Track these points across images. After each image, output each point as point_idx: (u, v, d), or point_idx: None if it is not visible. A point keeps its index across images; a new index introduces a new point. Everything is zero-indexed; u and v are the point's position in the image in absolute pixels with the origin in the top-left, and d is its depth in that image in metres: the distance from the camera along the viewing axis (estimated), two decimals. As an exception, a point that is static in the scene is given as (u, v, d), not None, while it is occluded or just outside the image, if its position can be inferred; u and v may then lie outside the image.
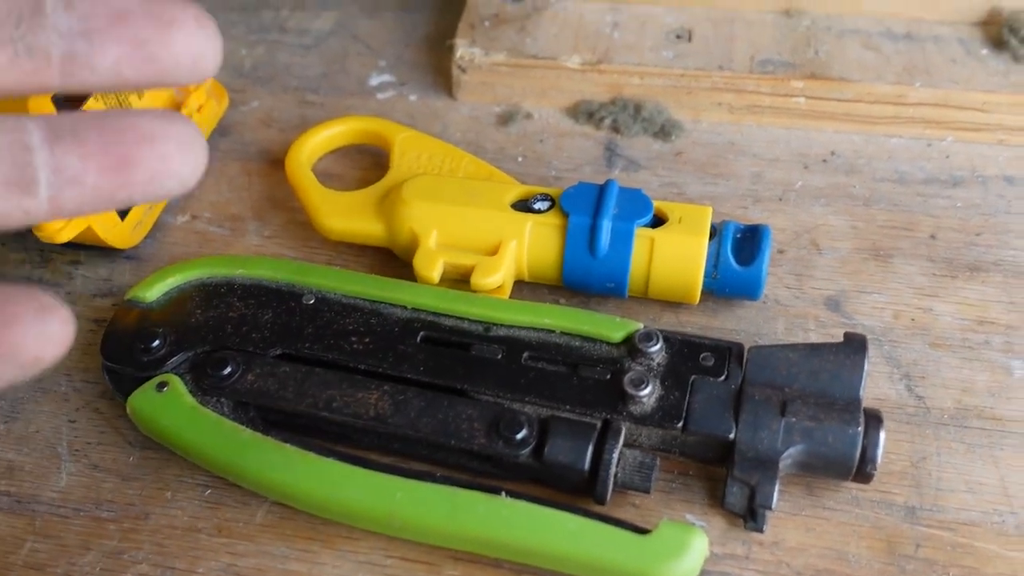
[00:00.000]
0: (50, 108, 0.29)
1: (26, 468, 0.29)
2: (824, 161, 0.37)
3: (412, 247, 0.32)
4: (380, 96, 0.41)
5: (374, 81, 0.42)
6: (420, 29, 0.44)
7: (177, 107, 0.38)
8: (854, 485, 0.27)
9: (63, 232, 0.31)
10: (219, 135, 0.39)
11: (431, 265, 0.31)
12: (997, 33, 0.37)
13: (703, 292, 0.31)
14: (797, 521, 0.27)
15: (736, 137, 0.38)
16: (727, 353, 0.28)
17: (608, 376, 0.28)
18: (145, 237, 0.35)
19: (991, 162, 0.36)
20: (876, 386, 0.30)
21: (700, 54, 0.38)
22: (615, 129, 0.38)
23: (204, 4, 0.48)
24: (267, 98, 0.41)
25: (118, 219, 0.33)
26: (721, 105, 0.38)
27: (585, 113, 0.38)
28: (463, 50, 0.39)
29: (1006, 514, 0.27)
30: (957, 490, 0.27)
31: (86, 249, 0.35)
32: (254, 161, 0.39)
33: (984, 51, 0.37)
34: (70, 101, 0.31)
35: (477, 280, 0.30)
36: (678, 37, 0.39)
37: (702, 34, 0.39)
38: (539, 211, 0.32)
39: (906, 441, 0.28)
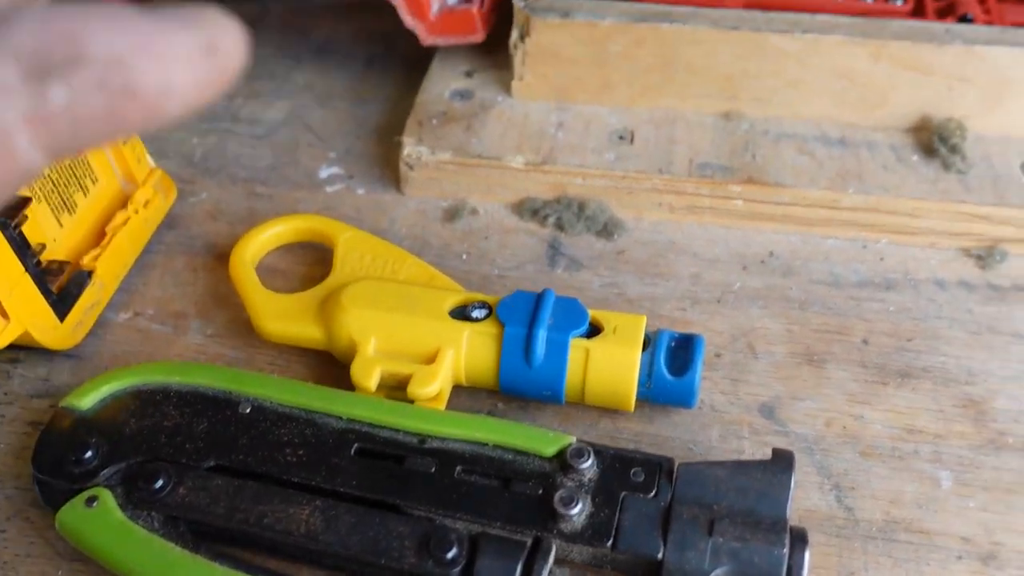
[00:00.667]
0: None
1: (-50, 584, 0.29)
2: (762, 262, 0.38)
3: (351, 353, 0.32)
4: (328, 189, 0.41)
5: (323, 173, 0.42)
6: (372, 120, 0.45)
7: (124, 201, 0.38)
8: (783, 601, 0.28)
9: (-1, 338, 0.31)
10: (166, 228, 0.40)
11: (368, 374, 0.31)
12: (928, 140, 0.38)
13: (638, 400, 0.32)
14: (726, 640, 0.27)
15: (677, 236, 0.39)
16: (657, 468, 0.28)
17: (540, 491, 0.28)
18: (86, 335, 0.35)
19: (923, 265, 0.37)
20: (807, 497, 0.30)
21: (641, 156, 0.39)
22: (559, 227, 0.39)
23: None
24: (215, 190, 0.42)
25: (56, 321, 0.33)
26: (662, 205, 0.39)
27: (530, 210, 0.39)
28: (410, 148, 0.39)
29: (931, 632, 0.27)
30: (884, 607, 0.28)
31: (26, 348, 0.35)
32: (200, 255, 0.39)
33: (915, 158, 0.38)
34: (8, 211, 0.31)
35: (414, 390, 0.31)
36: (620, 138, 0.40)
37: (644, 136, 0.40)
38: (476, 319, 0.32)
39: (835, 555, 0.29)
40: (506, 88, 0.42)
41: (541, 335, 0.31)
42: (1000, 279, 0.37)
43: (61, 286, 0.34)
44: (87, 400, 0.31)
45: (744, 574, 0.26)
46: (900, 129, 0.39)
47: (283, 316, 0.34)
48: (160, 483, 0.28)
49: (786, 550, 0.26)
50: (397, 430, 0.30)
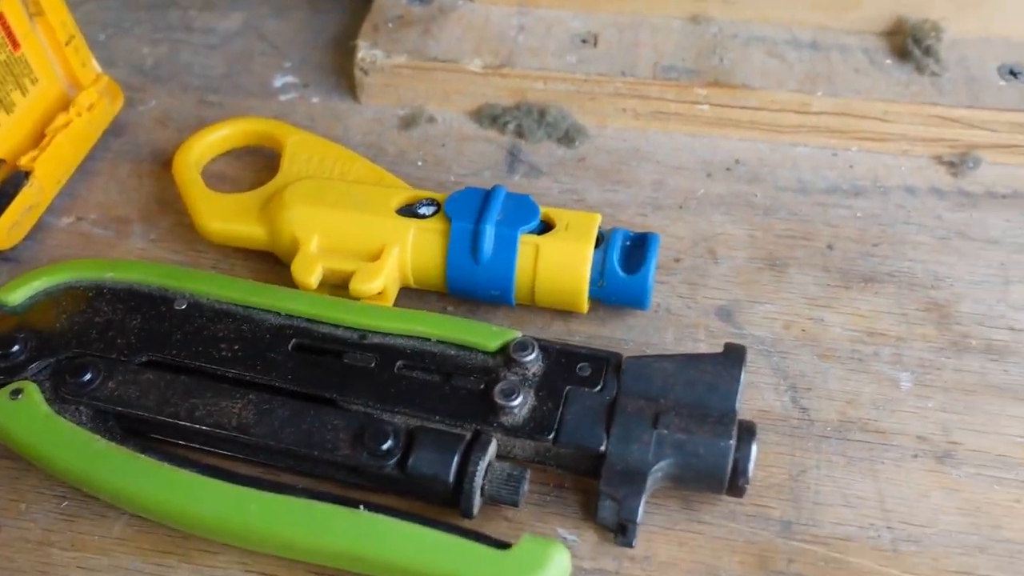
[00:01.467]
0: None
1: None
2: (728, 169, 0.36)
3: (293, 252, 0.31)
4: (282, 98, 0.40)
5: (277, 83, 0.41)
6: (328, 30, 0.43)
7: (67, 104, 0.36)
8: (732, 499, 0.27)
9: (-76, 232, 0.29)
10: (112, 135, 0.38)
11: (309, 270, 0.30)
12: (902, 43, 0.37)
13: (591, 300, 0.31)
14: (670, 536, 0.26)
15: (641, 143, 0.37)
16: (604, 364, 0.27)
17: (482, 386, 0.27)
18: (24, 238, 0.34)
19: (894, 172, 0.36)
20: (761, 397, 0.29)
21: (604, 59, 0.37)
22: (519, 134, 0.37)
23: (112, 2, 0.48)
24: (165, 98, 0.40)
25: (-10, 219, 0.32)
26: (626, 111, 0.37)
27: (489, 117, 0.38)
28: (365, 51, 0.38)
29: (882, 529, 0.26)
30: (834, 504, 0.27)
31: (-40, 249, 0.34)
32: (146, 162, 0.37)
33: (888, 61, 0.37)
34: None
35: (356, 286, 0.30)
36: (583, 42, 0.38)
37: (607, 39, 0.38)
38: (423, 216, 0.31)
39: (787, 454, 0.28)
40: (467, -8, 0.40)
41: (489, 230, 0.30)
42: (973, 186, 0.35)
43: (-5, 185, 0.33)
44: (16, 295, 0.30)
45: (689, 466, 0.25)
46: (874, 32, 0.38)
47: (225, 216, 0.33)
48: (88, 376, 0.27)
49: (733, 442, 0.25)
50: (337, 325, 0.29)
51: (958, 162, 0.36)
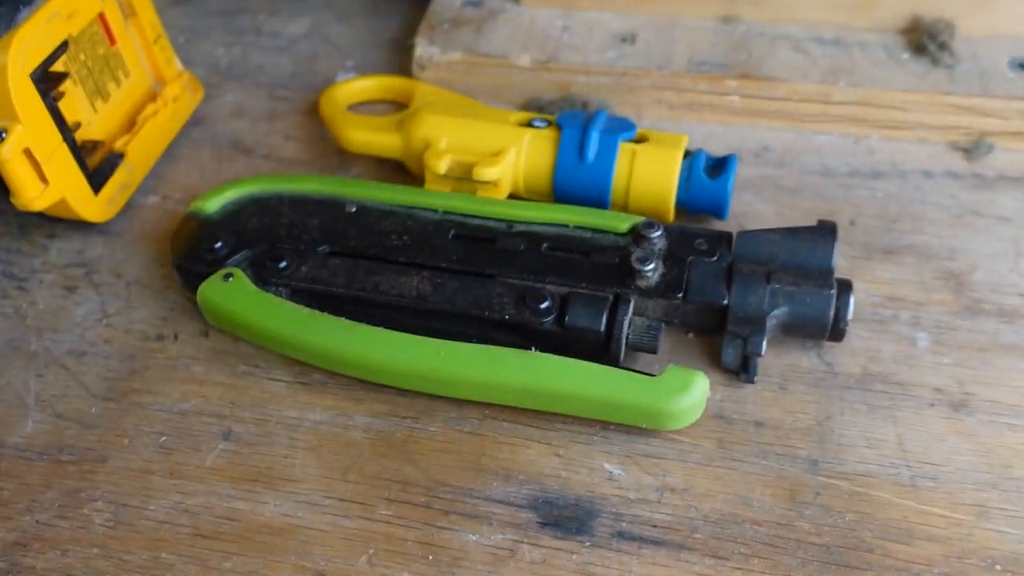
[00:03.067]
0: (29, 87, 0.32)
1: (-6, 415, 0.31)
2: (757, 155, 0.39)
3: (424, 154, 0.36)
4: (346, 92, 0.44)
5: (340, 78, 0.44)
6: (388, 33, 0.47)
7: (154, 97, 0.40)
8: (763, 440, 0.30)
9: (38, 200, 0.33)
10: (193, 124, 0.42)
11: (439, 158, 0.35)
12: (918, 39, 0.40)
13: (676, 209, 0.35)
14: (708, 471, 0.29)
15: (676, 132, 0.40)
16: (718, 238, 0.32)
17: (616, 260, 0.32)
18: (117, 214, 0.38)
19: (911, 157, 0.39)
20: (788, 354, 0.32)
21: (642, 55, 0.40)
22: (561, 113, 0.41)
23: (189, 9, 0.52)
24: (240, 93, 0.44)
25: (91, 193, 0.36)
26: (661, 102, 0.40)
27: (535, 108, 0.41)
28: (422, 48, 0.42)
29: (901, 467, 0.29)
30: (857, 445, 0.29)
31: (62, 223, 0.37)
32: (225, 148, 0.41)
33: (905, 56, 0.40)
34: (47, 81, 0.33)
35: (479, 170, 0.34)
36: (623, 40, 0.41)
37: (645, 38, 0.41)
38: (538, 127, 0.36)
39: (813, 402, 0.31)
40: (515, -3, 0.44)
41: (595, 135, 0.34)
42: (986, 169, 0.38)
43: (95, 163, 0.36)
44: (211, 204, 0.34)
45: (798, 314, 0.30)
46: (892, 30, 0.41)
47: (364, 127, 0.38)
48: (284, 263, 0.32)
49: (834, 291, 0.30)
50: (487, 218, 0.33)
51: (972, 148, 0.38)
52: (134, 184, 0.38)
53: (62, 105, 0.34)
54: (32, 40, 0.32)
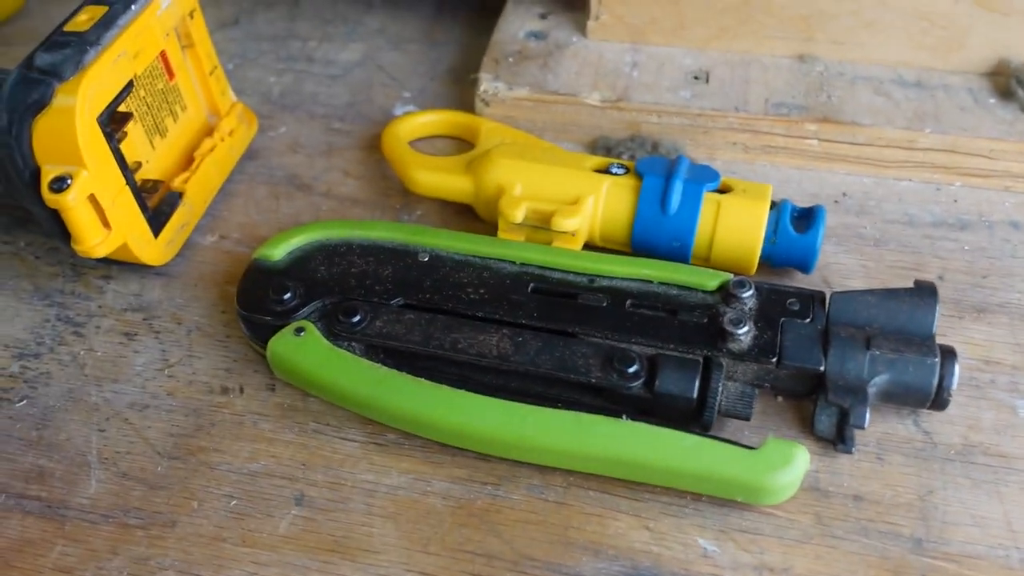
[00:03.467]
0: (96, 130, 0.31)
1: (56, 475, 0.30)
2: (836, 202, 0.38)
3: (495, 200, 0.34)
4: (405, 126, 0.42)
5: (399, 111, 0.43)
6: (444, 62, 0.45)
7: (210, 131, 0.39)
8: (863, 515, 0.28)
9: (100, 247, 0.32)
10: (248, 159, 0.41)
11: (515, 206, 0.33)
12: (1005, 84, 0.38)
13: (760, 262, 0.34)
14: (807, 549, 0.28)
15: (751, 176, 0.39)
16: (811, 299, 0.31)
17: (705, 320, 0.30)
18: (175, 255, 0.36)
19: (997, 207, 0.37)
20: (884, 420, 0.31)
21: (716, 95, 0.39)
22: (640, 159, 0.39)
23: (236, 33, 0.50)
24: (294, 125, 0.43)
25: (152, 236, 0.34)
26: (736, 145, 0.39)
27: (604, 148, 0.40)
28: (487, 84, 0.40)
29: (1011, 549, 0.28)
30: (962, 524, 0.28)
31: (118, 264, 0.36)
32: (281, 184, 0.40)
33: (992, 100, 0.38)
34: (113, 123, 0.32)
35: (558, 220, 0.33)
36: (695, 78, 0.40)
37: (719, 76, 0.40)
38: (616, 174, 0.34)
39: (913, 475, 0.29)
40: (581, 29, 0.42)
41: (678, 185, 0.33)
42: (1076, 222, 0.37)
43: (155, 204, 0.35)
44: (278, 251, 0.33)
45: (900, 382, 0.29)
46: (977, 73, 0.39)
47: (432, 169, 0.37)
48: (358, 317, 0.30)
49: (938, 359, 0.29)
50: (568, 271, 0.32)
51: (1061, 199, 0.37)
52: (192, 223, 0.37)
53: (123, 145, 0.33)
54: (100, 82, 0.31)
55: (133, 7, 0.33)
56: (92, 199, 0.31)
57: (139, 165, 0.35)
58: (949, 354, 0.29)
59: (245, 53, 0.47)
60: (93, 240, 0.32)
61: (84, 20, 0.31)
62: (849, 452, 0.30)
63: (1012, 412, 0.31)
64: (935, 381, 0.29)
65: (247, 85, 0.45)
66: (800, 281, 0.35)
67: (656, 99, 0.39)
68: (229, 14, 0.50)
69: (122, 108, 0.33)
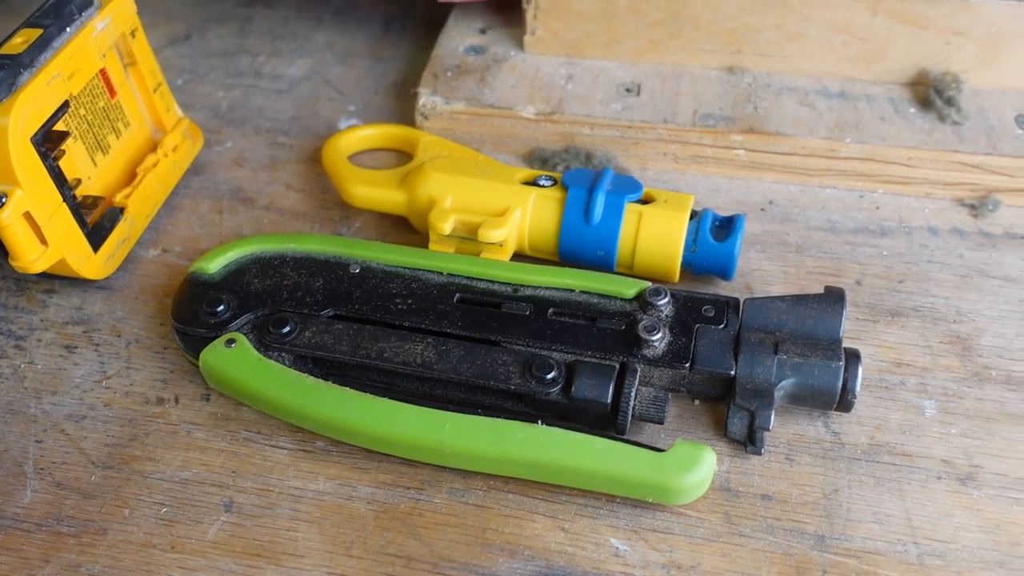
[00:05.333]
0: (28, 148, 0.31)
1: (-8, 485, 0.31)
2: (762, 210, 0.39)
3: (427, 211, 0.35)
4: (348, 139, 0.43)
5: (342, 124, 0.44)
6: (389, 77, 0.47)
7: (153, 146, 0.40)
8: (770, 514, 0.29)
9: (37, 263, 0.33)
10: (193, 173, 0.42)
11: (444, 218, 0.35)
12: (924, 94, 0.40)
13: (682, 269, 0.35)
14: (715, 547, 0.29)
15: (681, 185, 0.40)
16: (725, 305, 0.32)
17: (623, 327, 0.31)
18: (117, 269, 0.37)
19: (917, 214, 0.39)
20: (796, 423, 0.32)
21: (647, 107, 0.40)
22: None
23: (188, 49, 0.51)
24: (240, 139, 0.44)
25: (91, 251, 0.35)
26: (667, 155, 0.40)
27: (539, 159, 0.41)
28: (425, 98, 0.41)
29: (909, 544, 0.29)
30: (864, 520, 0.29)
31: (60, 279, 0.37)
32: (225, 198, 0.41)
33: (912, 110, 0.40)
34: (48, 142, 0.33)
35: (484, 232, 0.34)
36: (627, 91, 0.41)
37: (650, 88, 0.41)
38: (543, 186, 0.35)
39: (820, 474, 0.30)
40: (518, 43, 0.43)
41: (600, 196, 0.34)
42: (992, 227, 0.38)
43: (95, 220, 0.36)
44: (214, 264, 0.34)
45: (806, 385, 0.30)
46: (898, 83, 0.41)
47: (368, 183, 0.38)
48: (288, 328, 0.32)
49: (842, 363, 0.30)
50: (493, 281, 0.33)
51: (978, 205, 0.38)
52: (134, 238, 0.38)
53: (63, 163, 0.34)
54: (33, 103, 0.31)
55: (68, 29, 0.34)
56: (28, 216, 0.32)
57: (79, 182, 0.36)
58: (853, 357, 0.30)
59: (195, 69, 0.48)
60: (30, 256, 0.33)
61: (19, 43, 0.32)
62: (759, 453, 0.31)
63: (919, 412, 0.32)
64: (839, 384, 0.30)
65: (196, 100, 0.46)
66: (723, 288, 0.36)
67: (589, 112, 0.40)
68: (181, 30, 0.51)
69: (59, 127, 0.34)
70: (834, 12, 0.39)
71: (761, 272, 0.37)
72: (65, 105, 0.33)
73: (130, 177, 0.39)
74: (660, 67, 0.42)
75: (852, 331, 0.34)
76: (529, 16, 0.42)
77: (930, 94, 0.39)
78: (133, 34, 0.38)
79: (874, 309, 0.35)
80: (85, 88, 0.35)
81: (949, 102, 0.39)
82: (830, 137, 0.38)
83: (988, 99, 0.40)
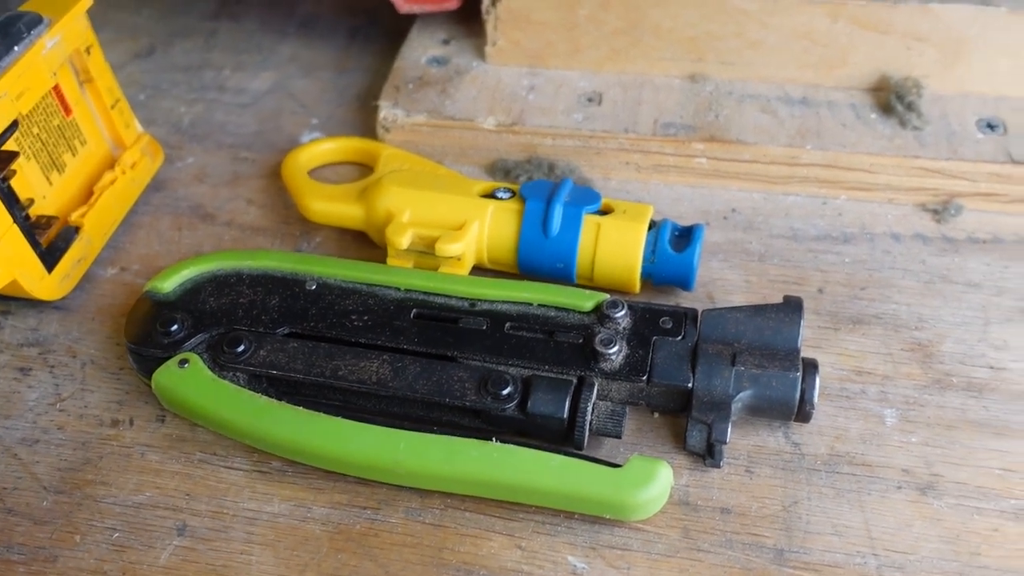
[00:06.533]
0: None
1: (-59, 512, 0.30)
2: (724, 218, 0.39)
3: (386, 226, 0.35)
4: (310, 153, 0.43)
5: (305, 138, 0.44)
6: (353, 89, 0.46)
7: (112, 163, 0.39)
8: (729, 528, 0.29)
9: (-13, 285, 0.32)
10: (154, 190, 0.41)
11: (401, 233, 0.34)
12: (885, 99, 0.40)
13: (642, 280, 0.35)
14: (673, 563, 0.29)
15: (643, 195, 0.40)
16: (683, 317, 0.32)
17: (580, 340, 0.31)
18: (74, 288, 0.37)
19: (880, 220, 0.38)
20: (756, 433, 0.32)
21: (608, 117, 0.40)
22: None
23: (151, 64, 0.51)
24: (202, 155, 0.43)
25: (44, 272, 0.35)
26: (629, 165, 0.40)
27: (502, 171, 0.40)
28: (386, 111, 0.41)
29: (868, 556, 0.28)
30: (824, 533, 0.29)
31: (16, 300, 0.36)
32: (185, 215, 0.40)
33: (873, 116, 0.39)
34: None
35: (441, 246, 0.34)
36: (589, 100, 0.41)
37: (612, 98, 0.41)
38: (501, 199, 0.35)
39: (780, 486, 0.30)
40: (481, 54, 0.43)
41: (558, 208, 0.34)
42: (955, 232, 0.38)
43: (49, 239, 0.36)
44: (168, 283, 0.34)
45: (764, 396, 0.30)
46: (860, 89, 0.41)
47: (326, 198, 0.38)
48: (242, 347, 0.31)
49: (799, 374, 0.30)
50: (450, 296, 0.33)
51: (940, 210, 0.38)
52: (91, 257, 0.38)
53: (15, 182, 0.33)
54: (-22, 125, 0.31)
55: (16, 48, 0.33)
56: (-24, 239, 0.31)
57: (32, 202, 0.35)
58: (811, 367, 0.30)
59: (158, 84, 0.47)
60: (-21, 278, 0.32)
61: (-35, 64, 0.32)
62: (717, 466, 0.30)
63: (879, 421, 0.32)
64: (797, 395, 0.30)
65: (158, 115, 0.45)
66: (685, 298, 0.36)
67: (550, 122, 0.40)
68: (145, 45, 0.50)
69: (9, 147, 0.33)
70: (794, 18, 0.39)
71: (723, 281, 0.36)
72: (14, 125, 0.33)
73: (87, 195, 0.38)
74: (622, 76, 0.42)
75: (813, 339, 0.34)
76: (490, 27, 0.42)
77: (891, 100, 0.39)
78: (88, 50, 0.37)
79: (835, 317, 0.35)
80: (37, 106, 0.35)
81: (910, 107, 0.39)
82: (792, 144, 0.38)
83: (949, 104, 0.39)
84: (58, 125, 0.37)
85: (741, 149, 0.38)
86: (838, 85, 0.41)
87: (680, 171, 0.40)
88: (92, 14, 0.37)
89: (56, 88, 0.36)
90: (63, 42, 0.35)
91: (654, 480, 0.28)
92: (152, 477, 0.31)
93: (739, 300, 0.36)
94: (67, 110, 0.37)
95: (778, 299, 0.35)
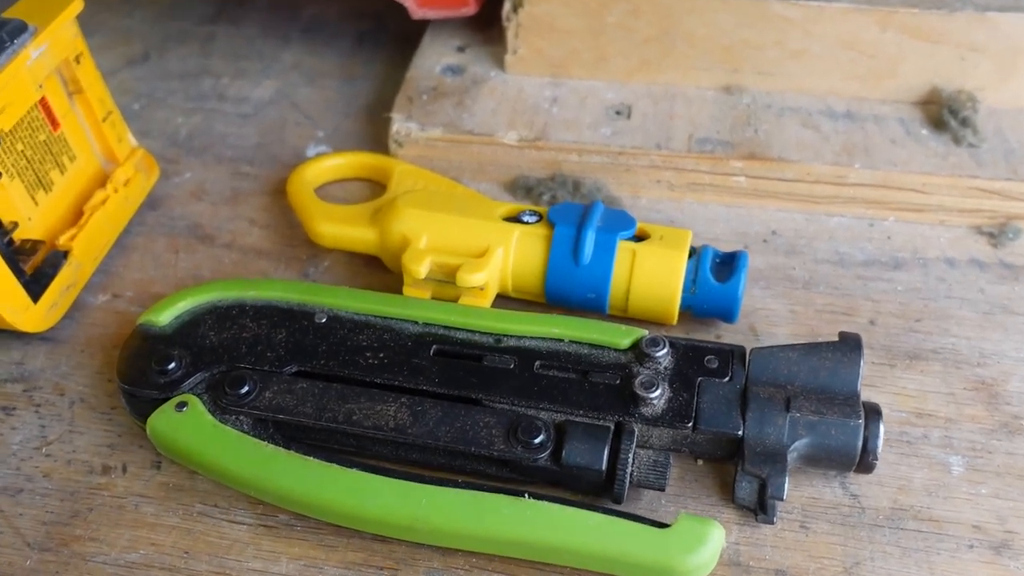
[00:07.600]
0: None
1: (-87, 573, 0.27)
2: (765, 241, 0.36)
3: (401, 252, 0.32)
4: (316, 168, 0.40)
5: (311, 152, 0.41)
6: (361, 98, 0.43)
7: (103, 180, 0.37)
8: (785, 592, 0.26)
9: (-35, 319, 0.29)
10: (148, 208, 0.38)
11: (419, 261, 0.31)
12: (937, 113, 0.37)
13: (681, 311, 0.32)
14: (725, 632, 0.26)
15: (676, 215, 0.37)
16: (730, 356, 0.29)
17: (618, 381, 0.28)
18: (62, 318, 0.34)
19: (932, 243, 0.36)
20: (811, 484, 0.29)
21: (639, 131, 0.37)
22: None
23: (145, 71, 0.48)
24: (200, 169, 0.40)
25: (29, 302, 0.32)
26: (660, 183, 0.37)
27: (523, 188, 0.38)
28: (399, 124, 0.38)
29: (941, 625, 0.26)
30: (891, 598, 0.26)
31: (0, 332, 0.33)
32: (182, 236, 0.37)
33: (924, 131, 0.37)
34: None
35: (463, 275, 0.31)
36: (617, 113, 0.38)
37: (641, 111, 0.38)
38: (527, 223, 0.32)
39: (839, 544, 0.27)
40: (499, 63, 0.40)
41: (590, 234, 0.31)
42: (1013, 257, 0.35)
43: (35, 266, 0.33)
44: (164, 316, 0.31)
45: (823, 446, 0.27)
46: (909, 102, 0.38)
47: (337, 220, 0.35)
48: (246, 388, 0.28)
49: (861, 421, 0.27)
50: (473, 331, 0.30)
51: (997, 233, 0.35)
52: (80, 283, 0.35)
53: (-5, 206, 0.30)
54: (-46, 144, 0.28)
55: (-2, 59, 0.30)
56: (-48, 269, 0.29)
57: (15, 225, 0.32)
58: (874, 413, 0.27)
59: (153, 92, 0.45)
60: (-43, 312, 0.29)
61: (-59, 75, 0.29)
62: (771, 523, 0.28)
63: (945, 470, 0.29)
64: (859, 444, 0.27)
65: (153, 127, 0.43)
66: (725, 330, 0.33)
67: (576, 137, 0.37)
68: (139, 50, 0.47)
69: (-10, 167, 0.30)
70: (840, 27, 0.36)
71: (766, 311, 0.34)
72: (-5, 143, 0.30)
73: (76, 216, 0.35)
74: (652, 87, 0.39)
75: (868, 377, 0.31)
76: (510, 34, 0.39)
77: (943, 114, 0.36)
78: (78, 59, 0.35)
79: (890, 352, 0.32)
80: (21, 121, 0.32)
81: (964, 122, 0.36)
82: (838, 163, 0.35)
83: (1006, 119, 0.37)
84: (44, 140, 0.34)
85: (784, 167, 0.36)
86: (885, 98, 0.38)
87: (716, 190, 0.37)
88: (81, 17, 0.34)
89: (43, 101, 0.33)
90: (50, 52, 0.32)
91: (706, 543, 0.25)
92: (147, 532, 0.28)
93: (784, 332, 0.33)
94: (54, 124, 0.34)
95: (827, 331, 0.33)
